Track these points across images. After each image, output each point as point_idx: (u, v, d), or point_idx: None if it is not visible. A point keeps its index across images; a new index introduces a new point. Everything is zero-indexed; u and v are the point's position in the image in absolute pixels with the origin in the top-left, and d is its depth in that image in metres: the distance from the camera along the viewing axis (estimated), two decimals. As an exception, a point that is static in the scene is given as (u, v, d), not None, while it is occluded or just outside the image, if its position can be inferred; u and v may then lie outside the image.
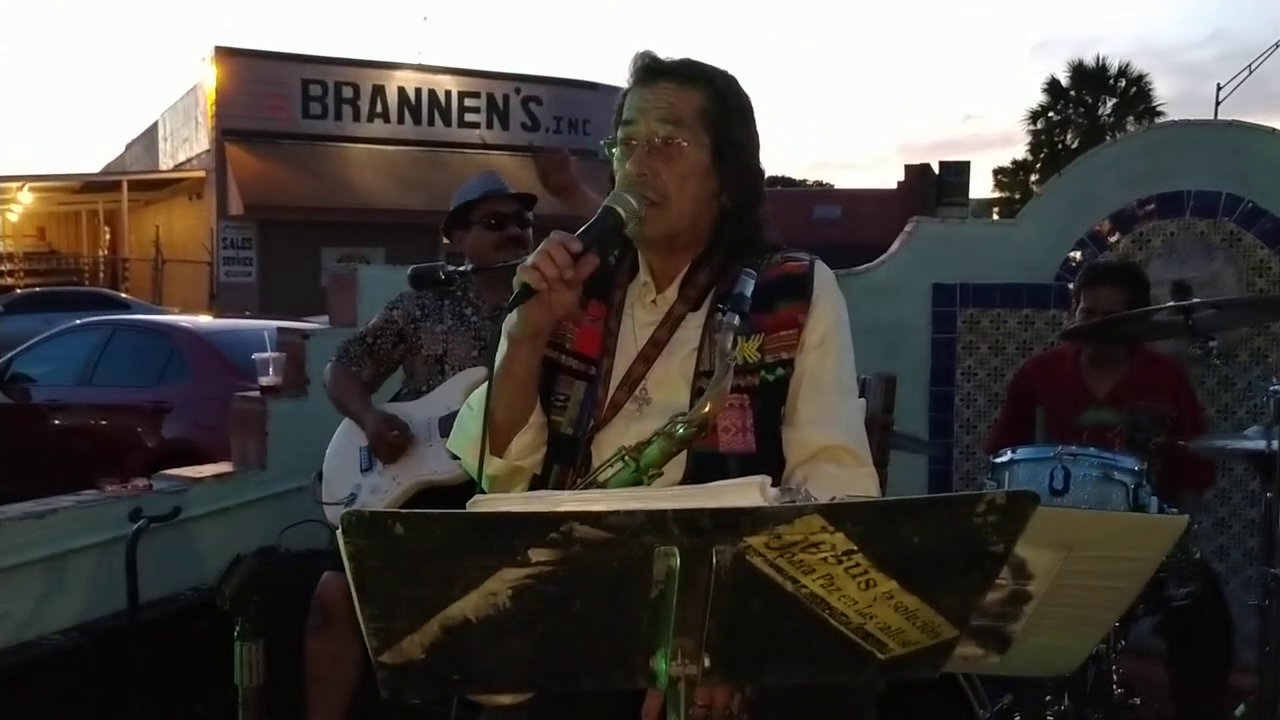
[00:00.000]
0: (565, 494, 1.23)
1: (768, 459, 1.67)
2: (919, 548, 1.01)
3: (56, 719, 2.97)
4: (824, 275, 1.76)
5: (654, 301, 1.75)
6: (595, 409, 1.70)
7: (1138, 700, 2.78)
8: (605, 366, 1.72)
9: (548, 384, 1.73)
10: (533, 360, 1.66)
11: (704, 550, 1.00)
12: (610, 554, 0.99)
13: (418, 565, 1.00)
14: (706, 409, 1.49)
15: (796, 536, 0.99)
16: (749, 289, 1.60)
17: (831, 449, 1.68)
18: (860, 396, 1.85)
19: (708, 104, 1.70)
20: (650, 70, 1.73)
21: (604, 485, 1.51)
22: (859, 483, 1.67)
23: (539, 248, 1.55)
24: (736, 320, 1.55)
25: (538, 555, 0.98)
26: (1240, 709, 2.99)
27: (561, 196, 2.91)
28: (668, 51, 1.78)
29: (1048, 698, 2.74)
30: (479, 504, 1.08)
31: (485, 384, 1.59)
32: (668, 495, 1.09)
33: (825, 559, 1.01)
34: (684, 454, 1.58)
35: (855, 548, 1.00)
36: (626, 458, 1.51)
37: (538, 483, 1.74)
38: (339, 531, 0.98)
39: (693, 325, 1.71)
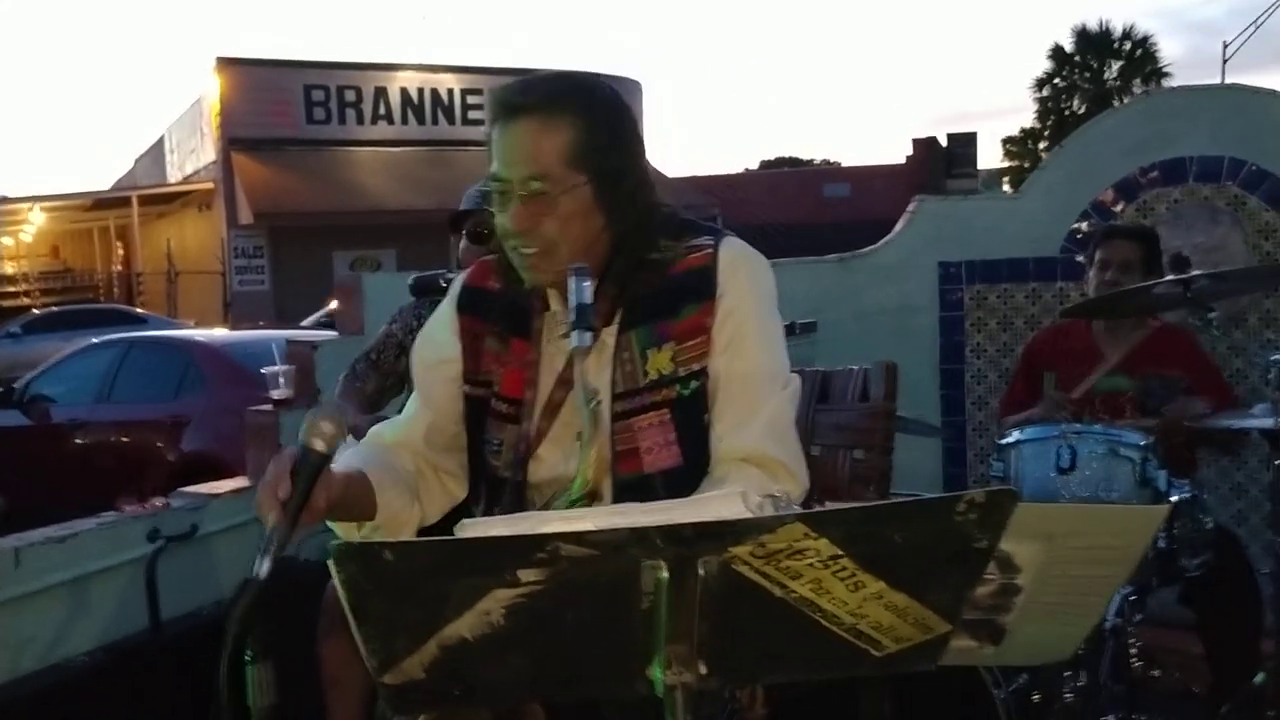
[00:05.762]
0: (550, 514, 1.24)
1: (697, 467, 1.61)
2: (904, 548, 1.02)
3: (86, 739, 3.01)
4: (729, 260, 1.64)
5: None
6: (524, 444, 1.67)
7: (1158, 672, 2.78)
8: (529, 398, 1.68)
9: (479, 424, 1.71)
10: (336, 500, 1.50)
11: (690, 561, 1.01)
12: (598, 569, 1.00)
13: (410, 590, 1.02)
14: (590, 476, 1.54)
15: (781, 544, 1.00)
16: (586, 295, 1.52)
17: (752, 457, 1.59)
18: (862, 386, 1.82)
19: (576, 138, 1.57)
20: (507, 109, 1.59)
21: None
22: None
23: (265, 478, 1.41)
24: (589, 339, 1.50)
25: (527, 575, 1.00)
26: (1260, 676, 2.98)
27: None
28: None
29: (1066, 673, 2.74)
30: (466, 529, 1.09)
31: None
32: (651, 510, 1.10)
33: (812, 564, 1.02)
34: (609, 483, 1.60)
35: (840, 551, 1.01)
36: None
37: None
38: (330, 561, 0.99)
39: (607, 339, 1.64)
